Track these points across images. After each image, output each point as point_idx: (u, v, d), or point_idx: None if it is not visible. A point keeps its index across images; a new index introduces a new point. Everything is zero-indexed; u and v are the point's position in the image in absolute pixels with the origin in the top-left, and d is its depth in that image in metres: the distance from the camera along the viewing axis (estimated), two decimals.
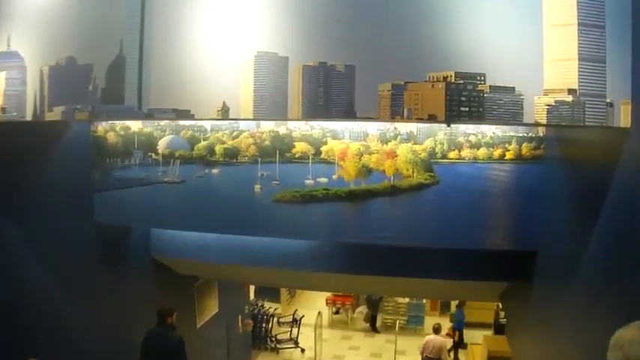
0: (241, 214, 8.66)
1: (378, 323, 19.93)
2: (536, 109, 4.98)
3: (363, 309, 19.93)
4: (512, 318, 9.58)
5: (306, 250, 9.75)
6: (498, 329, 15.75)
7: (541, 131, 7.72)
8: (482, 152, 7.95)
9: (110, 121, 9.08)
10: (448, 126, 5.57)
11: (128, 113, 6.18)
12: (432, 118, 5.13)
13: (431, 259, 9.07)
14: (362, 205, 8.32)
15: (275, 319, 18.58)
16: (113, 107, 6.17)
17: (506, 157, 7.89)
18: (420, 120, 5.21)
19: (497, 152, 7.92)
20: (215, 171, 8.89)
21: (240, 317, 15.75)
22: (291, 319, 18.38)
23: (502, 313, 15.79)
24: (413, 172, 8.12)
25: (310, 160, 8.42)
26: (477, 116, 5.07)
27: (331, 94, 5.36)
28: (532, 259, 7.68)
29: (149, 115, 5.96)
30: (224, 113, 5.50)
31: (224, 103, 5.58)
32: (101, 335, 8.50)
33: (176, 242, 10.44)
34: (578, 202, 6.14)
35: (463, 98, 5.00)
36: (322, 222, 8.41)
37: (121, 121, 9.16)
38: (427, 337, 14.04)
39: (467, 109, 5.02)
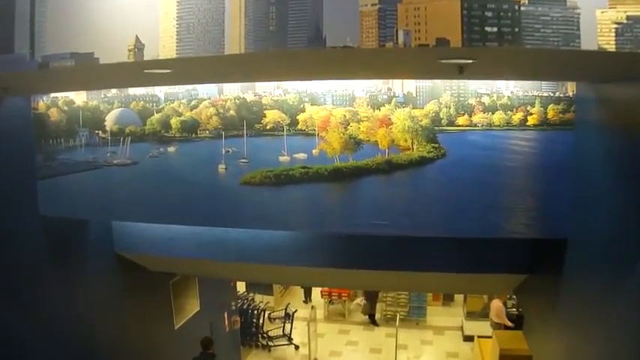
0: (203, 202, 7.01)
1: (378, 315, 18.28)
2: (601, 28, 3.13)
3: (360, 300, 18.27)
4: (533, 314, 7.90)
5: (287, 242, 8.24)
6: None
7: (571, 90, 6.01)
8: (498, 117, 6.24)
9: (52, 95, 7.71)
10: (460, 72, 3.71)
11: (17, 64, 4.36)
12: (441, 44, 3.25)
13: (436, 251, 7.59)
14: (350, 186, 6.60)
15: (266, 315, 16.94)
16: None
17: (528, 123, 6.23)
18: (423, 46, 3.31)
19: (517, 116, 6.22)
20: (171, 149, 7.21)
21: (226, 314, 14.08)
22: (283, 314, 16.73)
23: (510, 303, 14.82)
24: (412, 144, 6.39)
25: (285, 132, 6.68)
26: (510, 39, 3.22)
27: (287, 14, 3.52)
28: (561, 248, 6.07)
29: (44, 65, 4.16)
30: (137, 53, 3.71)
31: (137, 38, 3.76)
32: (55, 342, 7.62)
33: (140, 236, 9.11)
34: (620, 178, 5.06)
35: (489, 13, 3.16)
36: (301, 209, 6.67)
37: (63, 95, 7.72)
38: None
39: (495, 28, 3.18)
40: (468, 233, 6.29)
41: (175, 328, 11.37)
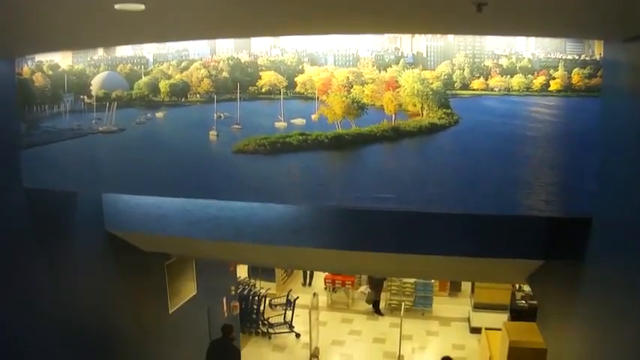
0: (192, 172, 6.40)
1: (382, 305, 17.77)
2: None
3: (365, 289, 17.74)
4: (549, 304, 7.24)
5: (285, 220, 7.68)
6: (515, 313, 13.88)
7: (598, 52, 5.41)
8: (517, 81, 5.56)
9: (37, 59, 7.11)
10: (479, 10, 3.09)
11: None
12: None
13: (445, 231, 7.00)
14: (352, 155, 5.95)
15: (267, 301, 16.42)
16: None
17: (550, 88, 5.56)
18: None
19: (538, 81, 5.55)
20: (159, 115, 6.59)
21: (225, 300, 13.54)
22: (284, 301, 16.22)
23: (519, 295, 14.38)
24: (422, 109, 5.73)
25: (282, 96, 6.03)
26: None
27: None
28: (585, 229, 5.42)
29: None
30: None
31: None
32: (40, 325, 7.34)
33: (131, 214, 8.55)
34: None
35: None
36: (298, 180, 6.02)
37: (49, 59, 7.11)
38: None
39: None
40: (481, 209, 5.63)
41: (170, 312, 10.92)
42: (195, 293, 12.02)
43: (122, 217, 8.57)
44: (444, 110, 5.71)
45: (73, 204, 8.13)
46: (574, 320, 5.87)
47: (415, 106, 5.73)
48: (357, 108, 5.79)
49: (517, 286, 15.35)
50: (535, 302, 14.71)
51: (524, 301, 14.40)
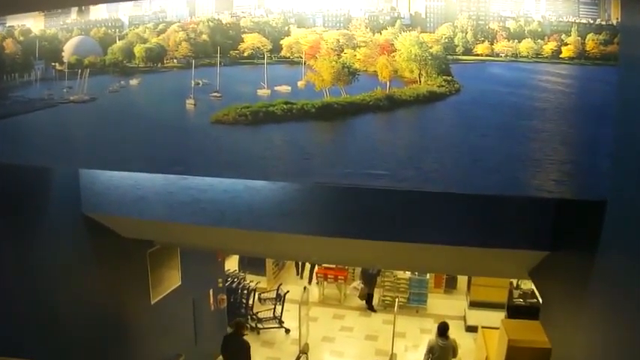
0: (167, 145, 5.79)
1: (375, 301, 17.26)
2: None
3: (357, 284, 17.19)
4: (554, 300, 6.64)
5: (270, 204, 7.14)
6: (512, 311, 13.09)
7: (614, 16, 4.83)
8: (526, 46, 4.99)
9: (7, 25, 6.53)
10: None
11: None
12: None
13: (442, 215, 6.53)
14: (342, 126, 5.35)
15: (256, 295, 15.87)
16: None
17: (562, 55, 4.99)
18: None
19: (548, 47, 4.98)
20: (134, 82, 6.02)
21: (211, 292, 12.99)
22: (274, 295, 15.68)
23: (516, 292, 13.77)
24: (420, 76, 5.15)
25: (265, 60, 5.42)
26: None
27: None
28: (597, 214, 4.83)
29: None
30: None
31: None
32: (10, 314, 6.94)
33: (109, 196, 8.00)
34: None
35: None
36: (282, 154, 5.41)
37: (20, 24, 6.50)
38: None
39: None
40: (483, 189, 5.03)
41: (152, 302, 10.28)
42: (179, 284, 11.47)
43: (99, 199, 8.03)
44: (444, 77, 5.11)
45: (48, 183, 7.62)
46: (583, 317, 5.28)
47: (412, 72, 5.13)
48: (348, 74, 5.19)
49: (514, 283, 14.90)
50: (533, 300, 14.28)
51: (521, 300, 14.01)
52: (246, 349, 11.27)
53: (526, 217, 6.27)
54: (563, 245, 6.00)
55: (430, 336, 12.65)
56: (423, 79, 5.14)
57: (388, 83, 5.18)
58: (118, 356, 9.28)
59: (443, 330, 11.67)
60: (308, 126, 5.28)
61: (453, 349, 11.83)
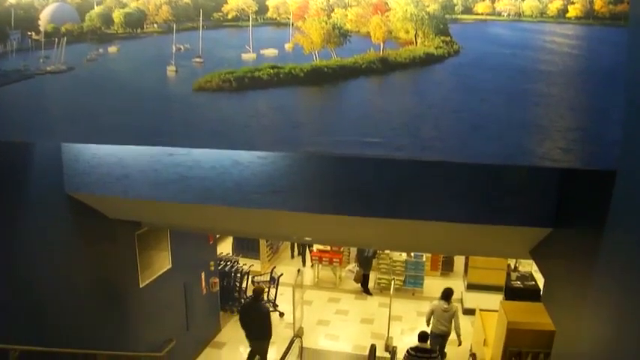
0: (147, 115, 5.40)
1: (371, 284, 17.00)
2: None
3: (353, 267, 16.88)
4: (557, 280, 6.29)
5: (260, 179, 6.85)
6: (510, 294, 13.45)
7: None
8: (530, 4, 4.64)
9: None
10: None
11: None
12: None
13: (440, 189, 6.22)
14: (333, 91, 4.96)
15: (250, 278, 15.57)
16: None
17: (569, 15, 4.63)
18: None
19: (554, 5, 4.63)
20: (112, 49, 5.65)
21: (203, 275, 12.69)
22: (268, 278, 15.38)
23: (514, 275, 14.04)
24: (416, 36, 4.77)
25: (251, 22, 5.05)
26: None
27: None
28: (606, 185, 4.50)
29: None
30: None
31: None
32: None
33: (92, 174, 7.64)
34: None
35: None
36: (269, 122, 5.03)
37: None
38: None
39: None
40: (484, 158, 4.67)
41: (141, 286, 9.92)
42: (169, 267, 11.17)
43: (83, 178, 7.68)
44: (442, 38, 4.74)
45: (28, 162, 7.28)
46: (589, 296, 4.94)
47: (408, 32, 4.76)
48: (339, 35, 4.82)
49: (512, 266, 14.72)
50: (531, 283, 14.08)
51: (519, 282, 13.92)
52: (265, 314, 11.64)
53: (528, 191, 5.94)
54: (568, 221, 5.67)
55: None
56: (419, 40, 4.77)
57: (382, 45, 4.80)
58: (106, 341, 8.96)
59: (447, 295, 11.84)
60: (296, 92, 4.91)
61: (454, 315, 11.95)
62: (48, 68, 5.99)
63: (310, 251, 18.29)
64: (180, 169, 7.06)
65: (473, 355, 11.80)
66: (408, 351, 10.53)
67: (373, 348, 11.55)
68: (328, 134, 4.80)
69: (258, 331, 11.70)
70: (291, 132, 4.93)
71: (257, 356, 11.82)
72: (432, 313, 12.15)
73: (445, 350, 12.51)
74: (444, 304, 11.89)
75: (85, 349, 8.22)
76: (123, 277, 9.72)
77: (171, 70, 5.27)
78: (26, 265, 7.21)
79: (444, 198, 6.20)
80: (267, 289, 15.16)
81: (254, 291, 12.02)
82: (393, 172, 6.12)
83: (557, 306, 6.07)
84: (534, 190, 5.96)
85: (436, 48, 4.73)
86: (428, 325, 12.09)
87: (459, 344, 12.26)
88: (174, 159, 7.05)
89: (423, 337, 10.63)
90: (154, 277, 10.61)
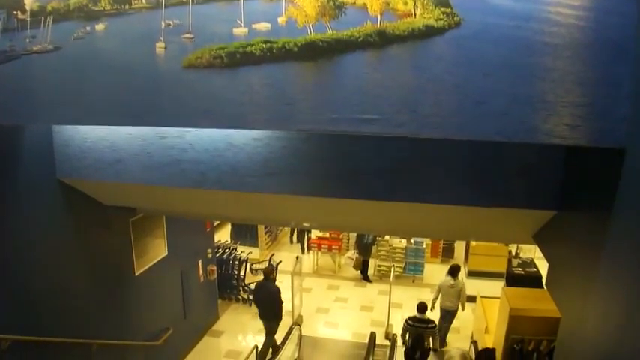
0: (136, 94, 5.18)
1: (370, 271, 16.82)
2: None
3: (352, 254, 16.73)
4: (562, 265, 6.06)
5: (255, 161, 6.66)
6: (511, 280, 12.87)
7: None
8: None
9: None
10: None
11: None
12: None
13: (440, 169, 6.00)
14: (328, 65, 4.71)
15: (248, 266, 15.40)
16: None
17: None
18: None
19: None
20: (100, 27, 5.39)
21: (200, 263, 12.52)
22: (266, 265, 15.20)
23: (515, 261, 13.54)
24: (415, 8, 4.54)
25: None
26: None
27: None
28: (614, 164, 4.30)
29: None
30: None
31: None
32: None
33: (84, 158, 7.38)
34: None
35: None
36: (262, 99, 4.79)
37: None
38: None
39: None
40: (487, 135, 4.44)
41: (136, 274, 9.74)
42: (165, 254, 10.99)
43: (74, 163, 7.45)
44: (442, 9, 4.49)
45: (18, 147, 7.05)
46: (596, 281, 4.70)
47: (406, 4, 4.52)
48: (334, 8, 4.57)
49: (513, 252, 14.60)
50: (532, 269, 13.90)
51: (520, 268, 13.72)
52: (273, 293, 12.04)
53: (532, 172, 5.72)
54: (574, 203, 5.45)
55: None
56: (418, 12, 4.53)
57: (379, 17, 4.56)
58: (101, 330, 8.79)
59: (453, 270, 12.08)
60: (290, 67, 4.67)
61: (461, 291, 12.28)
62: (34, 48, 5.76)
63: (308, 238, 18.13)
64: (174, 153, 6.85)
65: (474, 343, 11.63)
66: (406, 320, 10.97)
67: (373, 335, 11.41)
68: (324, 111, 4.58)
69: (268, 310, 12.17)
70: (285, 109, 4.70)
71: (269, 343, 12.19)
72: (439, 290, 12.43)
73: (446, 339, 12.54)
74: (450, 280, 12.03)
75: (78, 339, 8.06)
76: (117, 265, 9.54)
77: (160, 47, 5.03)
78: (16, 253, 6.99)
79: (445, 180, 6.00)
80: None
81: (264, 270, 12.73)
82: (392, 153, 5.92)
83: (562, 291, 5.86)
84: (538, 171, 5.75)
85: (436, 20, 4.49)
86: (432, 305, 12.24)
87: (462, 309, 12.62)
88: (166, 142, 6.86)
89: (421, 307, 11.01)
90: (150, 264, 10.44)
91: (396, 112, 4.41)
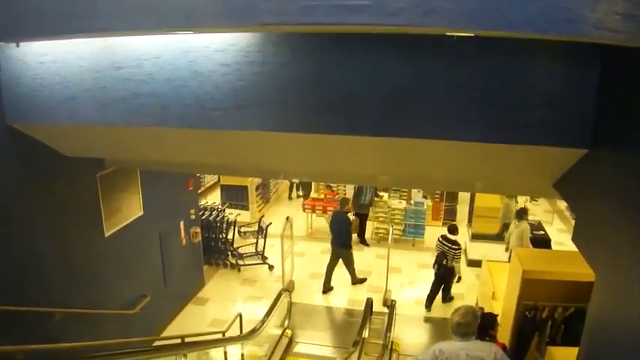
0: None
1: (368, 234, 15.82)
2: None
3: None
4: (592, 215, 4.84)
5: (224, 90, 5.41)
6: None
7: None
8: None
9: None
10: None
11: None
12: None
13: (449, 92, 4.86)
14: None
15: (236, 228, 14.36)
16: None
17: None
18: None
19: None
20: None
21: (182, 224, 11.45)
22: (256, 228, 14.20)
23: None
24: None
25: None
26: None
27: None
28: None
29: None
30: None
31: None
32: None
33: (35, 99, 6.27)
34: None
35: None
36: None
37: None
38: None
39: None
40: (511, 26, 3.24)
41: (106, 235, 8.64)
42: (141, 214, 9.88)
43: (24, 104, 6.32)
44: None
45: None
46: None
47: None
48: None
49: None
50: (541, 232, 12.90)
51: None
52: (347, 223, 12.90)
53: (559, 100, 4.57)
54: (609, 140, 4.29)
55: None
56: None
57: None
58: (69, 297, 7.76)
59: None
60: None
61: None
62: None
63: (304, 196, 17.39)
64: (131, 85, 5.74)
65: (481, 309, 10.63)
66: (438, 238, 11.81)
67: (370, 302, 10.43)
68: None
69: (338, 238, 12.81)
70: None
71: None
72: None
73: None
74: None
75: (41, 307, 7.07)
76: (84, 226, 8.44)
77: None
78: None
79: (452, 110, 4.84)
80: (255, 240, 14.02)
81: (339, 201, 13.78)
82: (387, 76, 4.77)
83: (593, 246, 4.72)
84: (566, 98, 4.58)
85: None
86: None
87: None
88: (122, 73, 5.74)
89: (451, 228, 11.69)
90: (122, 225, 9.33)
91: None
